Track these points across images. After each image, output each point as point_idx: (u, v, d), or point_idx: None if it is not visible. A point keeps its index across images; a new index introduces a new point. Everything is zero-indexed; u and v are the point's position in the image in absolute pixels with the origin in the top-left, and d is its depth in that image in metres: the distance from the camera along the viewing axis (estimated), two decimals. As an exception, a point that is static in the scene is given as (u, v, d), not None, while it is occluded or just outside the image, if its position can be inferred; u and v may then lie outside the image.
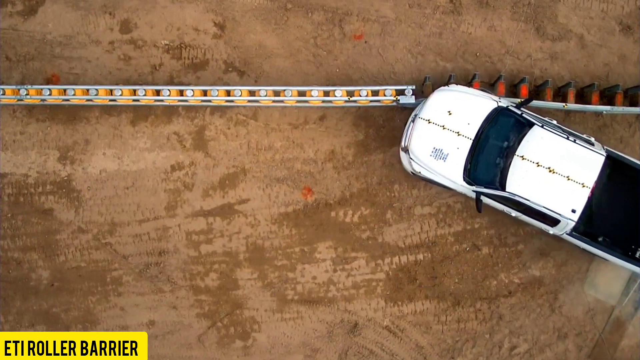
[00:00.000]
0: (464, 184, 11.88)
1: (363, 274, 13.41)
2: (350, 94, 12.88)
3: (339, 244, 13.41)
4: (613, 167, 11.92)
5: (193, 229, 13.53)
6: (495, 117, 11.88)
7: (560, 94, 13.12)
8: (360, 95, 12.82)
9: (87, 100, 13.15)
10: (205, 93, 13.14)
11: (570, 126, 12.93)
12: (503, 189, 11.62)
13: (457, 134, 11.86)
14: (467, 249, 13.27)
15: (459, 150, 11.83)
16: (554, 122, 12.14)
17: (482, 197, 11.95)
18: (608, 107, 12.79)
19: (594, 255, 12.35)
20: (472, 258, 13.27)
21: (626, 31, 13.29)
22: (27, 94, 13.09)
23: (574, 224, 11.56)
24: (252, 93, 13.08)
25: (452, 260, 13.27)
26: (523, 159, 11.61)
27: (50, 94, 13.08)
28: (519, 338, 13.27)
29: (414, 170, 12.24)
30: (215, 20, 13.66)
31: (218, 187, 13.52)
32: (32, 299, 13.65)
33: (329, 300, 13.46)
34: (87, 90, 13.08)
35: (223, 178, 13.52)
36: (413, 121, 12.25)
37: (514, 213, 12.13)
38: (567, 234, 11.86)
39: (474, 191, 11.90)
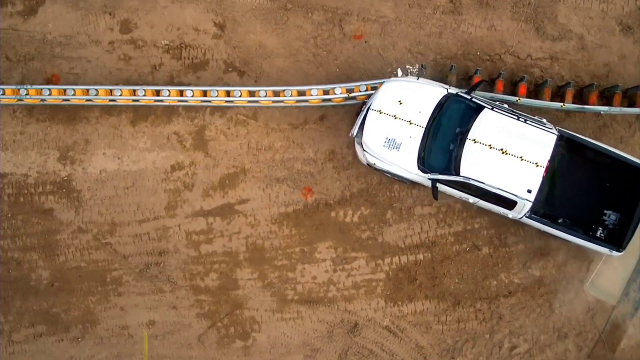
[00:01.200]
0: (419, 172, 11.90)
1: (363, 274, 13.41)
2: (349, 90, 12.86)
3: (339, 244, 13.41)
4: (568, 147, 12.00)
5: (193, 229, 13.54)
6: (446, 103, 11.94)
7: (559, 94, 13.12)
8: (360, 91, 12.80)
9: (87, 100, 13.15)
10: (205, 93, 13.14)
11: (570, 126, 12.95)
12: (458, 174, 11.63)
13: (409, 123, 11.89)
14: (467, 249, 13.27)
15: (412, 139, 11.87)
16: (505, 105, 12.18)
17: (440, 185, 11.96)
18: (606, 108, 12.79)
19: (556, 237, 12.37)
20: (472, 258, 13.27)
21: (626, 31, 13.28)
22: (27, 94, 13.09)
23: (530, 204, 11.55)
24: (251, 93, 13.08)
25: (452, 260, 13.27)
26: (475, 142, 11.61)
27: (50, 94, 13.08)
28: (519, 338, 13.27)
29: (369, 162, 12.26)
30: (215, 20, 13.66)
31: (218, 187, 13.52)
32: (32, 299, 13.65)
33: (329, 300, 13.45)
34: (87, 90, 13.09)
35: (223, 178, 13.52)
36: (362, 111, 12.26)
37: (471, 199, 12.12)
38: (526, 216, 11.82)
39: (429, 179, 11.90)
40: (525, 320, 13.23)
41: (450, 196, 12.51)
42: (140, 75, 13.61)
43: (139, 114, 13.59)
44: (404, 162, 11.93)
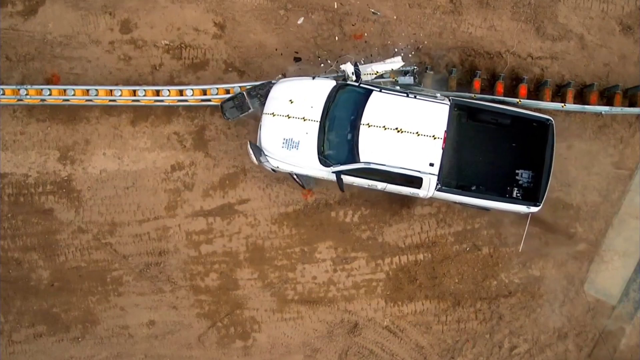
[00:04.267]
0: (322, 167, 11.88)
1: (363, 274, 13.42)
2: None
3: (339, 244, 13.41)
4: (468, 115, 12.13)
5: (193, 229, 13.54)
6: (336, 94, 11.98)
7: (559, 94, 13.13)
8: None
9: (87, 100, 13.15)
10: (205, 92, 13.14)
11: (571, 126, 13.01)
12: (358, 161, 11.61)
13: (303, 120, 11.91)
14: (467, 249, 13.27)
15: (309, 135, 11.88)
16: (397, 87, 12.23)
17: (346, 177, 11.93)
18: (607, 108, 12.80)
19: (473, 207, 12.40)
20: (472, 258, 13.28)
21: (626, 31, 13.29)
22: (27, 94, 13.10)
23: (436, 178, 11.50)
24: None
25: (452, 260, 13.27)
26: (369, 126, 11.61)
27: (50, 94, 13.09)
28: (519, 338, 13.28)
29: (273, 167, 12.28)
30: (215, 20, 13.66)
31: (218, 187, 13.52)
32: (32, 299, 13.65)
33: (329, 300, 13.46)
34: (87, 90, 13.10)
35: (223, 178, 13.52)
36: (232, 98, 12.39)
37: (380, 186, 12.08)
38: (437, 190, 11.73)
39: (332, 172, 11.87)
40: (525, 320, 13.24)
41: (360, 186, 12.42)
42: (140, 75, 13.60)
43: (139, 114, 13.58)
44: (305, 160, 11.93)
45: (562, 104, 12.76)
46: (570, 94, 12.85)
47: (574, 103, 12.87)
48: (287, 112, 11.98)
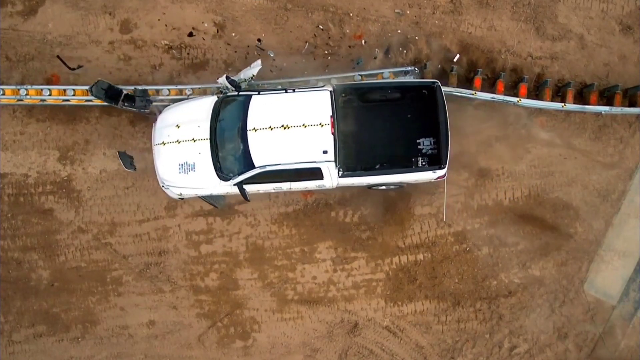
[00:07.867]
0: (223, 182, 11.87)
1: (363, 274, 13.42)
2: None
3: (339, 244, 13.41)
4: (358, 97, 12.18)
5: (193, 229, 13.54)
6: (220, 108, 12.01)
7: (559, 94, 13.14)
8: (354, 80, 12.75)
9: (87, 100, 13.15)
10: (205, 92, 13.14)
11: (570, 126, 13.01)
12: (254, 167, 11.59)
13: (193, 141, 11.90)
14: (467, 249, 13.27)
15: (202, 154, 11.87)
16: (279, 86, 12.27)
17: (249, 186, 11.93)
18: (607, 108, 12.81)
19: (384, 187, 12.49)
20: (472, 258, 13.28)
21: (626, 31, 13.29)
22: (27, 94, 13.08)
23: (334, 164, 11.44)
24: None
25: (452, 260, 13.27)
26: (255, 130, 11.60)
27: (50, 94, 13.08)
28: (519, 338, 13.28)
29: (178, 195, 12.31)
30: (215, 20, 13.66)
31: (218, 187, 13.51)
32: (32, 299, 13.65)
33: (329, 300, 13.46)
34: (87, 90, 13.09)
35: (223, 178, 13.50)
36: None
37: (284, 187, 12.08)
38: (342, 177, 11.69)
39: (234, 185, 11.86)
40: (525, 320, 13.25)
41: (266, 192, 12.47)
42: (140, 75, 13.61)
43: (139, 114, 13.57)
44: (204, 180, 11.92)
45: (562, 104, 12.77)
46: (570, 94, 12.86)
47: (574, 103, 12.88)
48: (176, 137, 11.96)
